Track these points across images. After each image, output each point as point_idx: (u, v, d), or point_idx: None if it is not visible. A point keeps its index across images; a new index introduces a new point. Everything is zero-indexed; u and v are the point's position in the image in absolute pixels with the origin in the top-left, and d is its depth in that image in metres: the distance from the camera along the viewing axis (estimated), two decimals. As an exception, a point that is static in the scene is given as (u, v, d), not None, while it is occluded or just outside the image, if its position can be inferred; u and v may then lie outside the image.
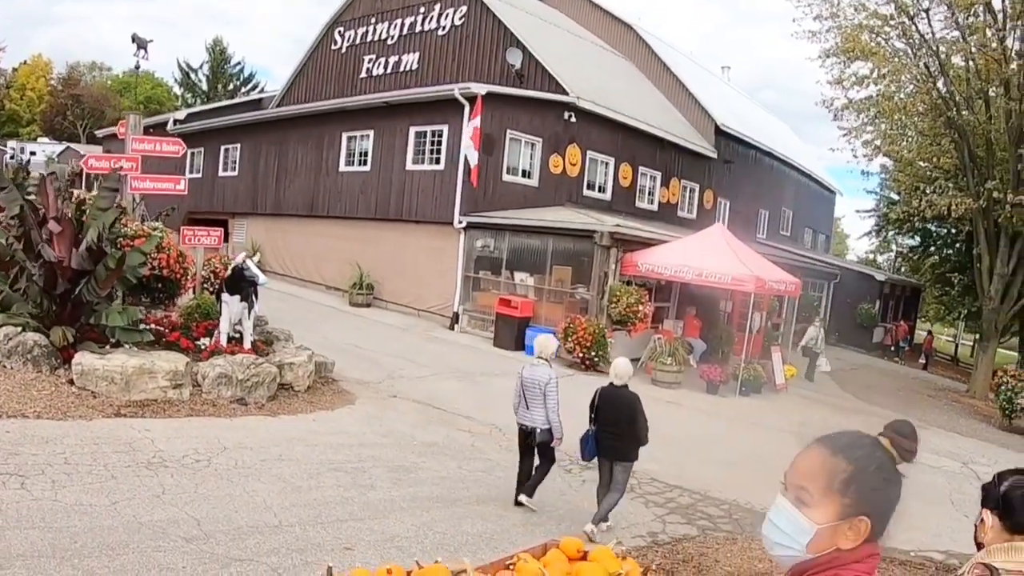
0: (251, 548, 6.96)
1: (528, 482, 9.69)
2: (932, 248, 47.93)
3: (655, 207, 30.98)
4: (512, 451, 11.80)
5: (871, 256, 62.41)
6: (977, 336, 71.87)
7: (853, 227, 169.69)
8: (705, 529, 10.12)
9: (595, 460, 9.53)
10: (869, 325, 40.19)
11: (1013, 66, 25.64)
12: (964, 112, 28.04)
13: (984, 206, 27.82)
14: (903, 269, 53.73)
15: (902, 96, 29.22)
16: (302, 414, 12.10)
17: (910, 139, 31.79)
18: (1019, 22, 24.97)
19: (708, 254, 21.30)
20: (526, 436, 9.65)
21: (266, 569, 6.59)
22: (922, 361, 41.59)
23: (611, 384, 9.39)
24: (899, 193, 34.24)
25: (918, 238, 48.44)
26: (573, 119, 25.63)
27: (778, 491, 2.25)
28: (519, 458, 9.93)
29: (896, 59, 28.33)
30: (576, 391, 18.04)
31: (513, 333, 21.68)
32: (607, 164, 28.12)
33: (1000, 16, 25.66)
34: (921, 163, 32.81)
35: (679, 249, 21.92)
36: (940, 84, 27.85)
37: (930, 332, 48.76)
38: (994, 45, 25.80)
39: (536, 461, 9.78)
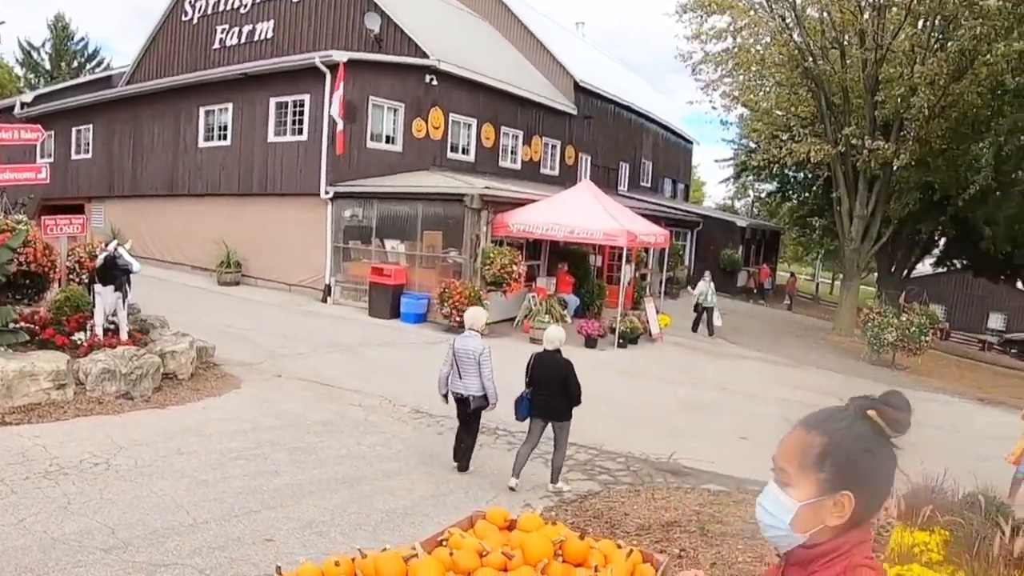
0: (173, 551, 6.71)
1: (460, 454, 10.13)
2: (790, 193, 49.61)
3: (518, 166, 31.07)
4: (406, 422, 11.95)
5: (729, 202, 64.07)
6: (834, 275, 75.09)
7: (710, 175, 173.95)
8: (607, 483, 10.31)
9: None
10: (733, 270, 41.23)
11: (866, 16, 26.62)
12: (820, 62, 29.08)
13: (842, 151, 29.00)
14: (760, 214, 55.32)
15: (759, 48, 30.05)
16: (190, 403, 11.76)
17: (768, 89, 32.76)
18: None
19: (578, 210, 21.55)
20: (463, 405, 9.95)
21: (193, 572, 6.36)
22: (786, 302, 43.16)
23: (545, 349, 9.67)
24: (757, 142, 35.23)
25: (776, 184, 50.01)
26: (434, 82, 25.37)
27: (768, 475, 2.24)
28: (459, 425, 10.24)
29: (753, 12, 29.07)
30: (439, 358, 18.17)
31: (388, 301, 21.53)
32: (470, 126, 28.01)
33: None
34: (778, 112, 33.83)
35: (549, 207, 22.08)
36: (796, 35, 28.76)
37: (792, 274, 50.61)
38: (848, -3, 26.88)
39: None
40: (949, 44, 26.97)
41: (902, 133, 28.98)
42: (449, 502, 8.87)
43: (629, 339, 21.57)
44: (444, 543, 5.01)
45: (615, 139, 38.93)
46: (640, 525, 8.79)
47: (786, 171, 43.35)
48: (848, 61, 29.69)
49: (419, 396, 13.29)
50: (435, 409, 12.57)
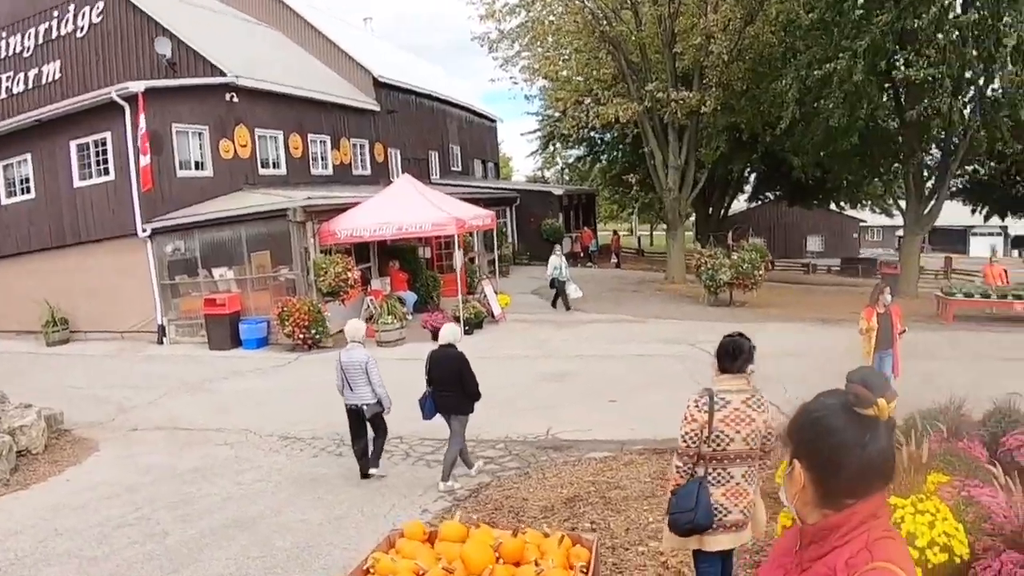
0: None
1: (371, 456, 10.39)
2: (600, 154, 50.67)
3: (330, 171, 30.62)
4: (277, 451, 11.71)
5: (539, 173, 64.82)
6: (652, 226, 77.11)
7: (517, 150, 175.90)
8: (495, 472, 10.38)
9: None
10: (556, 238, 41.83)
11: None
12: (615, 24, 29.77)
13: (648, 107, 29.82)
14: (572, 179, 56.28)
15: (553, 19, 30.46)
16: (53, 478, 11.12)
17: (567, 58, 33.23)
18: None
19: (403, 206, 21.53)
20: (357, 415, 10.26)
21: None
22: (614, 261, 44.26)
23: (440, 346, 10.02)
24: (563, 112, 35.78)
25: (584, 148, 50.93)
26: (235, 99, 24.68)
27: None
28: (352, 438, 10.47)
29: (542, -17, 29.52)
30: (307, 372, 17.79)
31: (226, 332, 20.99)
32: (276, 138, 27.35)
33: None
34: (579, 78, 34.47)
35: (374, 208, 21.91)
36: (588, 1, 29.19)
37: (615, 232, 51.76)
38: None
39: (371, 435, 10.47)
40: (738, -11, 28.07)
41: (704, 81, 30.06)
42: (348, 524, 8.74)
43: (475, 324, 21.61)
44: (371, 571, 4.94)
45: (421, 129, 38.91)
46: (543, 507, 8.89)
47: (592, 134, 44.18)
48: (643, 20, 30.68)
49: (281, 422, 13.07)
50: (302, 433, 12.41)
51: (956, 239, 72.59)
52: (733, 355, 5.47)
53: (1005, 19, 22.00)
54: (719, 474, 5.42)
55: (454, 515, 6.18)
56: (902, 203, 32.80)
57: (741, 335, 5.60)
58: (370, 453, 10.39)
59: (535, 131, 51.80)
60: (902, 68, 24.51)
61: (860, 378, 2.23)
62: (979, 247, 68.74)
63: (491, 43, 32.02)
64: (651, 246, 67.84)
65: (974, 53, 23.71)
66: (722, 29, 27.89)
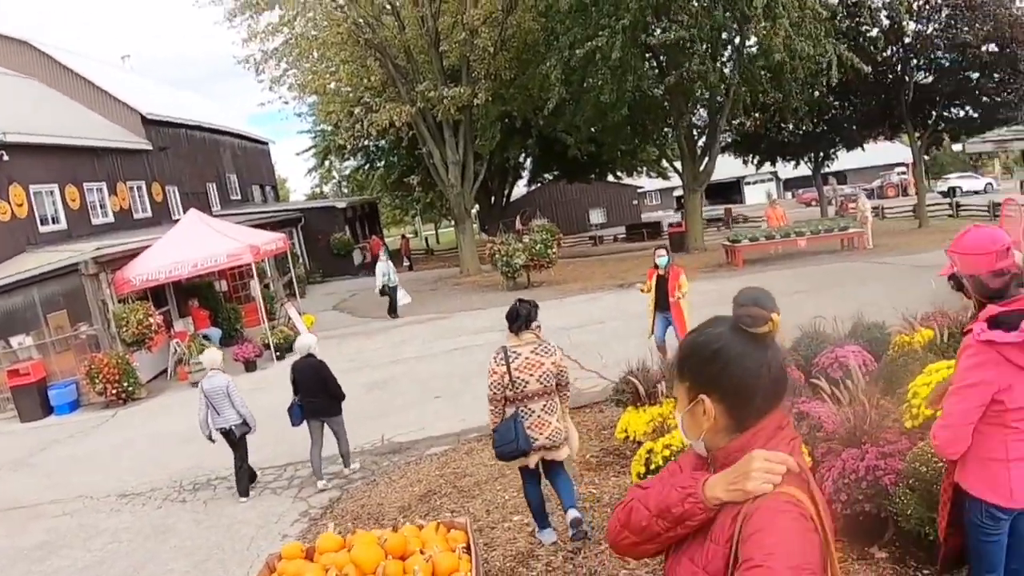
0: None
1: (239, 489, 10.88)
2: (377, 162, 50.91)
3: (111, 219, 29.77)
4: (119, 511, 11.48)
5: (318, 190, 64.45)
6: (436, 224, 77.83)
7: (293, 169, 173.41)
8: (341, 485, 10.66)
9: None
10: (346, 252, 42.03)
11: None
12: (377, 31, 30.17)
13: (421, 107, 30.53)
14: (350, 191, 56.33)
15: (316, 33, 30.54)
16: None
17: (335, 70, 33.27)
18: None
19: (194, 242, 21.38)
20: (229, 436, 10.82)
21: None
22: (406, 264, 44.81)
23: (300, 357, 10.91)
24: (337, 124, 35.79)
25: (360, 157, 51.04)
26: (5, 157, 23.72)
27: None
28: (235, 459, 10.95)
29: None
30: (129, 426, 17.47)
31: (35, 401, 20.08)
32: (52, 192, 26.34)
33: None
34: (347, 89, 34.66)
35: (165, 249, 21.49)
36: (349, 11, 29.42)
37: (403, 235, 52.31)
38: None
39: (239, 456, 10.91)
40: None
41: (472, 74, 31.00)
42: (213, 567, 8.78)
43: (285, 349, 21.46)
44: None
45: (195, 163, 38.33)
46: (400, 507, 9.21)
47: (367, 143, 44.42)
48: (405, 23, 31.31)
49: (115, 482, 12.68)
50: (140, 487, 12.11)
51: (731, 190, 77.23)
52: (513, 319, 7.10)
53: None
54: (523, 411, 7.04)
55: (328, 527, 6.41)
56: (678, 165, 34.82)
57: (521, 301, 7.27)
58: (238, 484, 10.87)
59: (310, 148, 51.66)
60: (656, 35, 26.14)
61: (751, 298, 2.29)
62: (754, 195, 73.41)
63: (256, 64, 31.82)
64: (438, 244, 68.70)
65: (727, 15, 25.52)
66: (483, 22, 28.85)
